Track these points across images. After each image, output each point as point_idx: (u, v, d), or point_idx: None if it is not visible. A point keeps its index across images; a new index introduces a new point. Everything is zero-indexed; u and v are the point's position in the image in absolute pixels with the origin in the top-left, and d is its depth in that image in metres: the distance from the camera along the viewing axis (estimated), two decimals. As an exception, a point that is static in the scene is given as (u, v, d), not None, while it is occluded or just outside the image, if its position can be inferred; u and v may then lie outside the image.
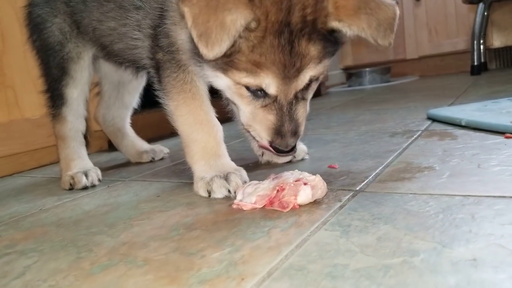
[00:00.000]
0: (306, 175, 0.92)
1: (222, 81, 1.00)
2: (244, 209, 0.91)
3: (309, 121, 2.16)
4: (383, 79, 4.24)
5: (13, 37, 1.81)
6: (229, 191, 1.03)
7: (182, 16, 0.88)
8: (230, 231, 0.80)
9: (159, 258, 0.72)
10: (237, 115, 1.15)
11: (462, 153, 1.14)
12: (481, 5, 3.56)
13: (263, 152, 1.34)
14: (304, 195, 0.87)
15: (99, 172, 1.42)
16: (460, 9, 4.07)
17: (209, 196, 1.04)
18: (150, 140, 1.82)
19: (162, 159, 1.73)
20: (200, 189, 1.06)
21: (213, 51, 0.85)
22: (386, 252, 0.62)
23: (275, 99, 0.97)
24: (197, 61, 1.02)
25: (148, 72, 1.29)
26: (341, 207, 0.85)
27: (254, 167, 1.31)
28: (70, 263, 0.76)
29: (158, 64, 1.15)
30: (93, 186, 1.37)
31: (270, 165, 1.32)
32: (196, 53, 0.96)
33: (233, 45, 0.89)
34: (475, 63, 3.60)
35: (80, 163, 1.44)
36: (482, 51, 3.61)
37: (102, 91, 1.69)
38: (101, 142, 2.18)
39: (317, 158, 1.33)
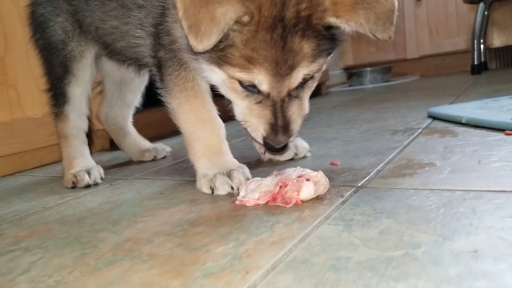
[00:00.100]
0: (309, 172, 0.93)
1: (217, 76, 1.00)
2: (247, 205, 0.92)
3: (311, 120, 2.17)
4: (384, 79, 4.25)
5: (16, 37, 1.82)
6: (232, 188, 1.03)
7: (175, 7, 0.87)
8: (233, 227, 0.80)
9: (164, 253, 0.73)
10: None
11: (463, 149, 1.14)
12: (481, 4, 3.57)
13: (265, 150, 1.35)
14: (307, 191, 0.88)
15: (101, 170, 1.43)
16: (461, 9, 4.08)
17: (212, 193, 1.05)
18: (151, 139, 1.82)
19: (164, 157, 1.74)
20: (203, 186, 1.07)
21: (202, 44, 0.85)
22: (388, 245, 0.63)
23: (268, 95, 0.97)
24: (194, 55, 1.01)
25: (150, 70, 1.30)
26: (343, 202, 0.86)
27: (256, 165, 1.31)
28: (75, 259, 0.77)
29: (160, 62, 1.16)
30: (96, 184, 1.38)
31: (272, 163, 1.33)
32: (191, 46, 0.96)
33: (226, 39, 0.89)
34: (476, 63, 3.61)
35: (83, 161, 1.44)
36: (482, 50, 3.62)
37: (105, 90, 1.70)
38: (102, 142, 2.19)
39: (319, 155, 1.34)
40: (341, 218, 0.77)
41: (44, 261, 0.78)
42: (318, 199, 0.90)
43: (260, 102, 0.98)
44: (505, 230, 0.62)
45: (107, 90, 1.70)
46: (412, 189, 0.88)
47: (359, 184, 0.96)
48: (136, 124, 1.79)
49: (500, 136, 1.23)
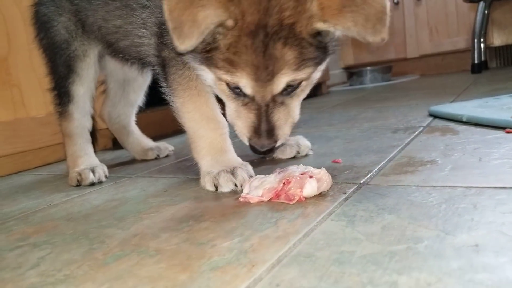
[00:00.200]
0: (311, 169, 0.94)
1: (207, 76, 1.02)
2: (251, 202, 0.93)
3: (312, 119, 2.18)
4: (384, 78, 4.26)
5: (19, 37, 1.83)
6: (235, 185, 1.05)
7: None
8: (238, 222, 0.82)
9: (171, 248, 0.74)
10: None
11: (464, 147, 1.16)
12: (481, 4, 3.58)
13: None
14: (310, 188, 0.89)
15: (105, 168, 1.44)
16: (461, 8, 4.09)
17: (216, 190, 1.07)
18: (153, 138, 1.84)
19: (167, 156, 1.75)
20: (207, 183, 1.08)
21: (184, 45, 0.87)
22: (391, 240, 0.64)
23: (253, 99, 0.98)
24: (189, 53, 1.02)
25: (154, 69, 1.31)
26: (346, 199, 0.87)
27: (259, 163, 1.33)
28: (83, 254, 0.78)
29: (164, 61, 1.17)
30: (100, 182, 1.39)
31: (274, 161, 1.34)
32: None
33: (214, 41, 0.91)
34: (476, 62, 3.62)
35: (87, 160, 1.46)
36: (482, 49, 3.63)
37: (108, 89, 1.72)
38: (105, 141, 2.20)
39: (321, 153, 1.35)
40: (344, 214, 0.78)
41: (52, 256, 0.79)
42: (321, 195, 0.91)
43: (246, 104, 1.00)
44: (506, 225, 0.64)
45: (111, 89, 1.71)
46: (413, 186, 0.89)
47: (361, 181, 0.98)
48: (138, 123, 1.80)
49: (500, 134, 1.25)
